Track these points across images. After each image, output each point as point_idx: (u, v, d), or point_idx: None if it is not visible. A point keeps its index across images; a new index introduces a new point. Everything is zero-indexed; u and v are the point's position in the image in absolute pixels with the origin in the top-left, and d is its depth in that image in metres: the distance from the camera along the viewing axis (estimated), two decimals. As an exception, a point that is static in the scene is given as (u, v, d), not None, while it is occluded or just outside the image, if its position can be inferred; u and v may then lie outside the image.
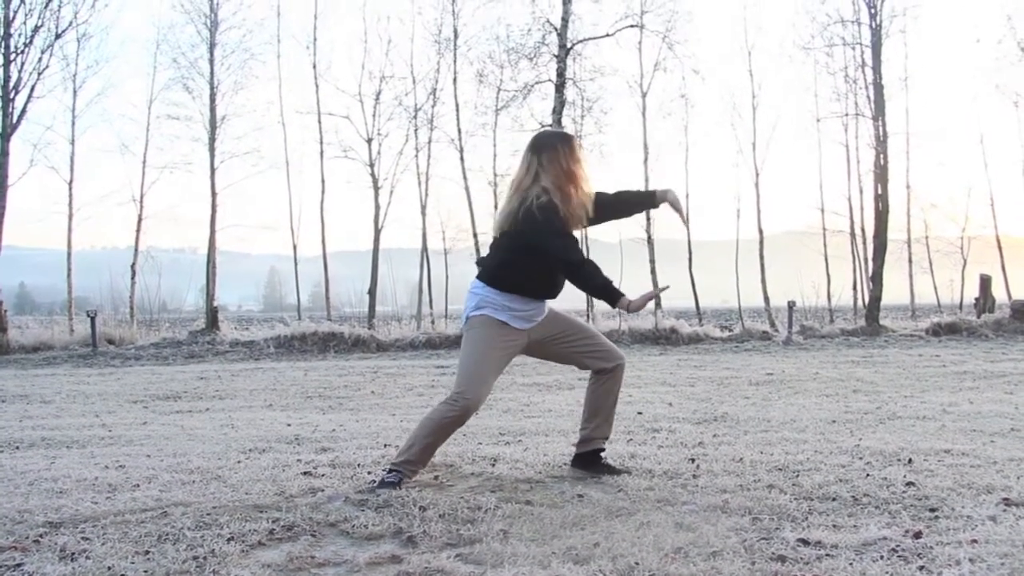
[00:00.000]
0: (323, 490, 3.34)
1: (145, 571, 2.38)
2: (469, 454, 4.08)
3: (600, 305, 17.81)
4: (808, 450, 4.08)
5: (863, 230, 18.05)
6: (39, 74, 15.62)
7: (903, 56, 18.81)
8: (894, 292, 17.67)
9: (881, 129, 16.34)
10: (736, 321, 17.10)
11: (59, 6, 15.98)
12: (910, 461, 3.74)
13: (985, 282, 16.21)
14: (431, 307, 17.85)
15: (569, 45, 16.53)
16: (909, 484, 3.27)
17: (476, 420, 5.35)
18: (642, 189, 3.67)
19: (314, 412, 6.30)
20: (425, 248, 18.14)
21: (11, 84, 15.21)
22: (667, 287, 3.36)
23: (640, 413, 5.66)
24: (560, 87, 16.42)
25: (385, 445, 4.45)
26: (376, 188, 17.76)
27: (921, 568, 2.31)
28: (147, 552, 2.53)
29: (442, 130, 18.02)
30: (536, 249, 3.31)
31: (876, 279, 16.09)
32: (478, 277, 3.48)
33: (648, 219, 17.27)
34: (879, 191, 16.29)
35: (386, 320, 16.48)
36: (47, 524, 2.86)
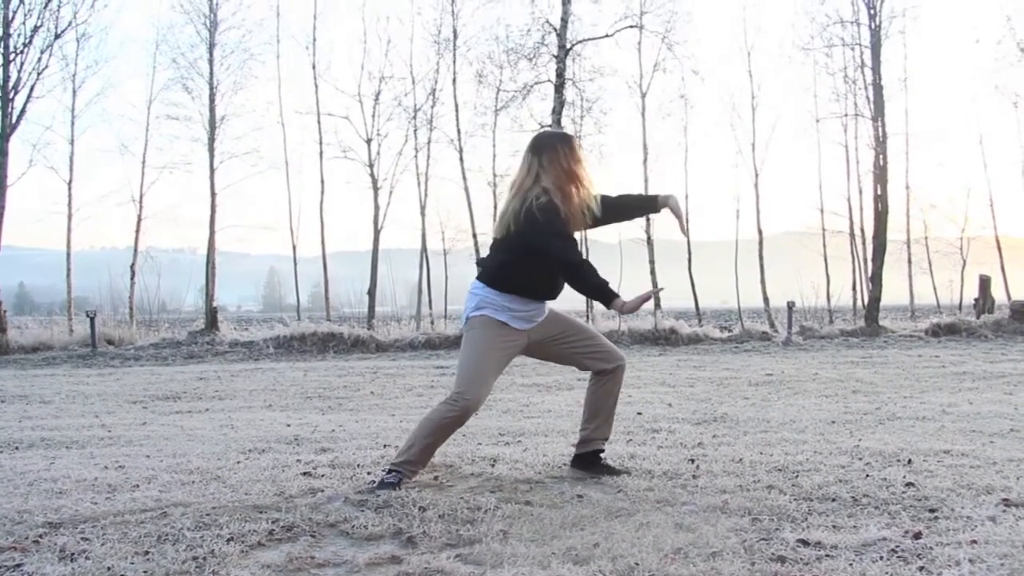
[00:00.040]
0: (323, 490, 3.34)
1: (145, 571, 2.38)
2: (469, 454, 4.08)
3: (600, 306, 17.76)
4: (807, 451, 4.08)
5: (862, 231, 18.08)
6: (38, 74, 15.65)
7: (902, 57, 18.85)
8: (893, 293, 17.68)
9: (880, 130, 16.35)
10: (735, 322, 17.10)
11: (58, 6, 16.01)
12: (910, 462, 3.74)
13: (984, 283, 16.21)
14: (430, 307, 17.85)
15: (568, 45, 16.54)
16: (909, 485, 3.27)
17: (476, 421, 5.35)
18: (644, 193, 3.66)
19: (314, 412, 6.30)
20: (424, 248, 18.15)
21: (10, 84, 15.21)
22: (662, 288, 3.35)
23: (640, 414, 5.66)
24: (559, 87, 16.43)
25: (385, 446, 4.45)
26: (375, 188, 17.77)
27: (921, 569, 2.31)
28: (147, 552, 2.53)
29: (441, 130, 18.06)
30: (536, 250, 3.31)
31: (875, 280, 16.10)
32: (478, 278, 3.48)
33: (648, 220, 17.26)
34: (878, 192, 16.30)
35: (385, 320, 16.48)
36: (47, 524, 2.86)
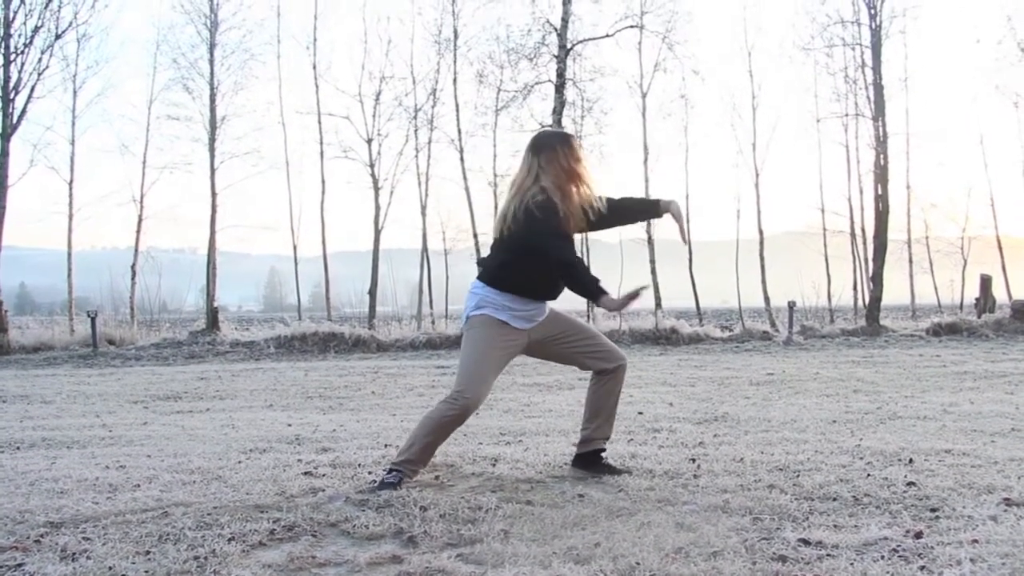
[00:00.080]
0: (324, 490, 3.34)
1: (146, 571, 2.38)
2: (470, 454, 4.08)
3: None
4: (809, 450, 4.08)
5: (863, 230, 18.06)
6: (39, 74, 15.65)
7: (903, 57, 18.86)
8: (894, 292, 17.67)
9: (881, 129, 16.35)
10: (736, 321, 17.10)
11: (59, 7, 16.01)
12: (911, 461, 3.74)
13: (985, 282, 16.21)
14: (431, 307, 17.86)
15: (569, 45, 16.54)
16: (910, 484, 3.27)
17: (477, 420, 5.35)
18: (646, 197, 3.66)
19: (315, 412, 6.30)
20: (425, 248, 18.15)
21: (11, 84, 15.22)
22: (646, 286, 3.31)
23: (641, 413, 5.66)
24: (560, 87, 16.43)
25: (386, 445, 4.45)
26: (376, 188, 17.77)
27: (922, 568, 2.31)
28: (148, 552, 2.53)
29: (442, 130, 18.05)
30: (533, 248, 3.30)
31: (876, 279, 16.09)
32: (479, 277, 3.48)
33: (648, 220, 17.24)
34: (879, 191, 16.29)
35: (386, 320, 16.49)
36: (48, 524, 2.86)
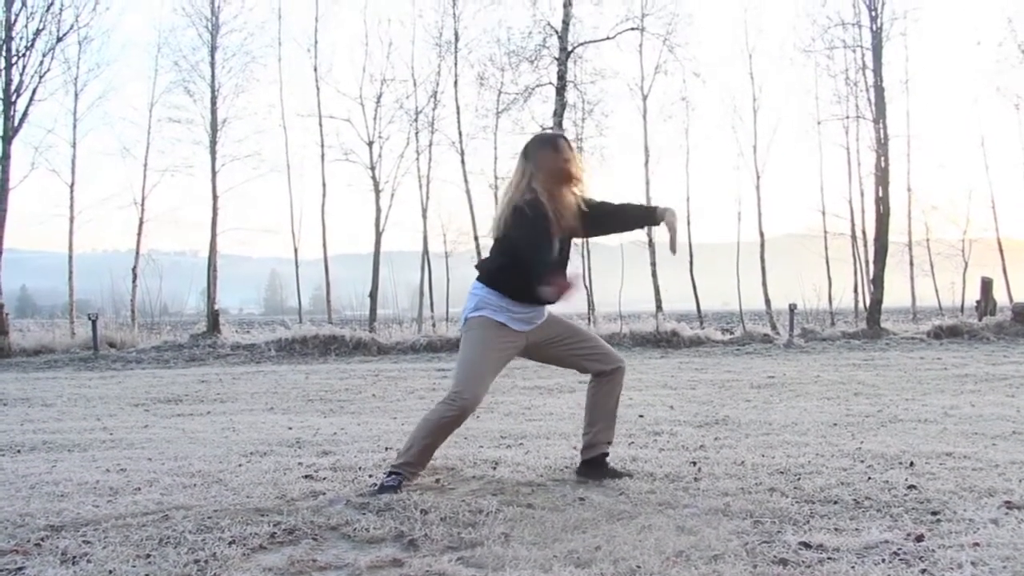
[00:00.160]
0: (324, 493, 3.34)
1: (146, 575, 2.38)
2: (470, 457, 4.07)
3: (601, 308, 17.84)
4: (809, 453, 4.08)
5: (864, 233, 18.07)
6: (40, 77, 15.68)
7: (904, 59, 18.93)
8: (895, 295, 17.66)
9: (882, 132, 16.36)
10: (737, 324, 17.10)
11: (60, 9, 16.06)
12: (912, 464, 3.74)
13: (986, 285, 16.20)
14: (432, 310, 17.87)
15: (570, 48, 16.55)
16: (911, 487, 3.27)
17: (477, 423, 5.35)
18: (645, 204, 3.63)
19: (315, 415, 6.30)
20: (426, 251, 18.16)
21: (13, 87, 15.25)
22: (574, 278, 3.26)
23: (641, 416, 5.66)
24: (561, 90, 16.44)
25: (386, 448, 4.45)
26: (377, 191, 17.78)
27: (923, 571, 2.30)
28: (148, 556, 2.53)
29: (443, 133, 18.07)
30: (516, 245, 3.30)
31: (877, 282, 16.09)
32: (478, 278, 3.49)
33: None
34: (880, 193, 16.30)
35: (387, 323, 16.48)
36: (48, 528, 2.86)
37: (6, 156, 15.11)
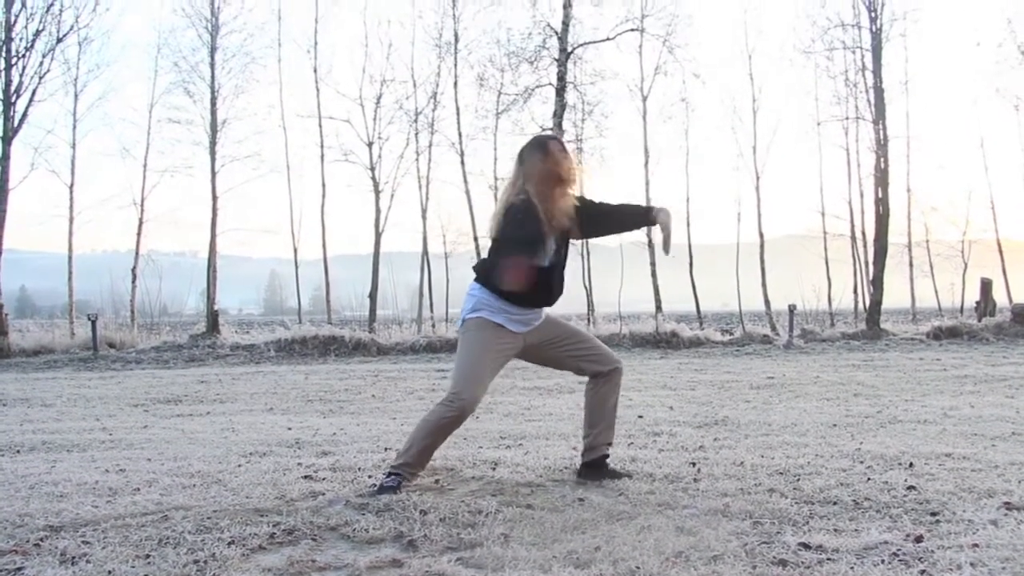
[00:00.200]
0: (324, 494, 3.34)
1: (145, 575, 2.38)
2: (470, 458, 4.07)
3: (600, 308, 17.85)
4: (809, 454, 4.08)
5: (864, 234, 18.06)
6: (40, 78, 15.68)
7: (903, 60, 18.92)
8: (895, 296, 17.66)
9: (881, 133, 16.36)
10: (737, 325, 17.09)
11: (60, 10, 16.05)
12: (911, 465, 3.74)
13: (986, 286, 16.20)
14: (431, 311, 17.86)
15: (570, 49, 16.56)
16: (910, 488, 3.27)
17: (477, 424, 5.35)
18: (641, 204, 3.62)
19: (315, 416, 6.30)
20: (426, 252, 18.15)
21: (12, 88, 15.25)
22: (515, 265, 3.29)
23: (641, 417, 5.66)
24: (561, 91, 16.44)
25: (386, 449, 4.45)
26: (377, 192, 17.78)
27: (922, 572, 2.31)
28: (147, 556, 2.53)
29: (443, 134, 18.06)
30: (503, 241, 3.33)
31: (877, 283, 16.09)
32: (475, 280, 3.50)
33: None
34: (879, 195, 16.30)
35: (387, 324, 16.47)
36: (48, 528, 2.86)
37: (6, 157, 15.11)
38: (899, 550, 2.49)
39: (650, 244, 17.37)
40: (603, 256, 18.05)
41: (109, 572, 2.39)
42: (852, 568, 2.34)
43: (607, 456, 3.65)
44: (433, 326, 16.17)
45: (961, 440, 4.48)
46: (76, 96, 17.10)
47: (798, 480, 3.47)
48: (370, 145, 17.86)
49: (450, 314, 17.79)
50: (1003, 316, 15.11)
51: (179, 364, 12.67)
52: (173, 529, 2.80)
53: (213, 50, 17.26)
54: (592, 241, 15.30)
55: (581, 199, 3.53)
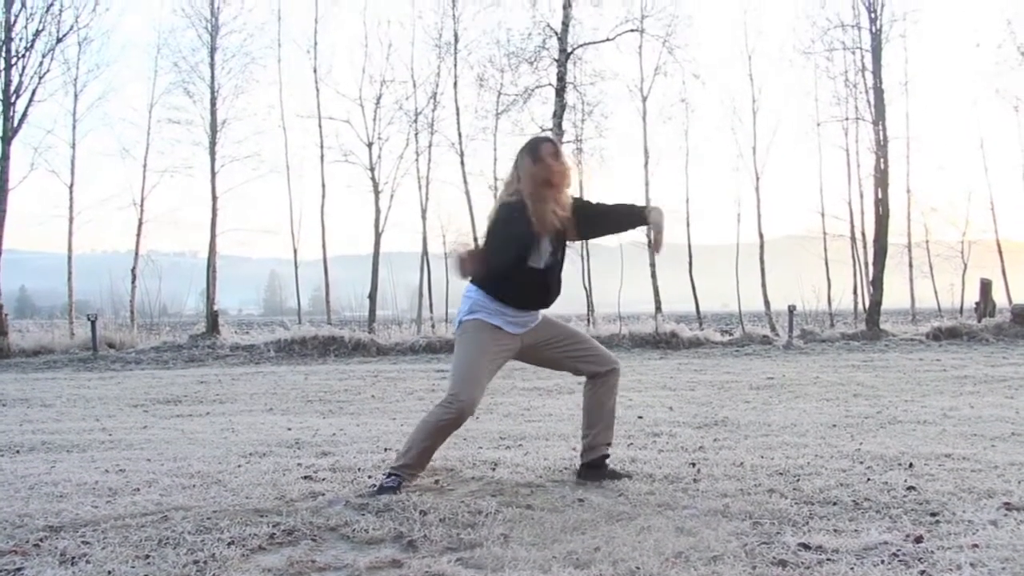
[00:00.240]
0: (323, 494, 3.34)
1: (145, 575, 2.38)
2: (469, 458, 4.07)
3: (600, 308, 17.85)
4: (809, 454, 4.08)
5: (863, 234, 18.07)
6: (40, 78, 15.68)
7: (903, 60, 19.00)
8: (894, 296, 17.67)
9: (881, 133, 16.36)
10: (736, 325, 17.10)
11: (60, 10, 16.06)
12: (911, 465, 3.74)
13: (985, 286, 16.20)
14: (431, 311, 17.85)
15: (570, 49, 16.56)
16: (910, 488, 3.27)
17: (476, 424, 5.35)
18: (636, 204, 3.60)
19: (314, 416, 6.30)
20: (425, 252, 18.15)
21: (12, 88, 15.25)
22: (458, 251, 3.36)
23: (640, 417, 5.66)
24: (560, 91, 16.44)
25: (385, 449, 4.45)
26: (376, 192, 17.78)
27: (922, 573, 2.31)
28: (147, 556, 2.53)
29: (442, 134, 18.06)
30: (488, 237, 3.36)
31: (876, 283, 16.09)
32: (472, 282, 3.50)
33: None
34: (879, 195, 16.31)
35: (386, 324, 16.47)
36: (47, 528, 2.86)
37: (5, 157, 15.11)
38: (899, 550, 2.49)
39: (650, 244, 17.37)
40: (603, 257, 18.05)
41: (109, 572, 2.39)
42: (852, 568, 2.34)
43: (607, 456, 3.65)
44: (433, 326, 16.16)
45: (961, 441, 4.48)
46: (76, 96, 17.13)
47: (798, 481, 3.47)
48: (370, 145, 17.87)
49: (450, 314, 17.77)
50: (1003, 317, 15.12)
51: (179, 364, 12.67)
52: (173, 529, 2.80)
53: (213, 50, 17.27)
54: (592, 242, 15.30)
55: (577, 200, 3.53)
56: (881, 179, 16.33)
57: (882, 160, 16.34)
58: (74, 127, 17.16)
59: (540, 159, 3.39)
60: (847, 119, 17.91)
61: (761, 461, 3.92)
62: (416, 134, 17.95)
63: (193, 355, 13.48)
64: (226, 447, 4.68)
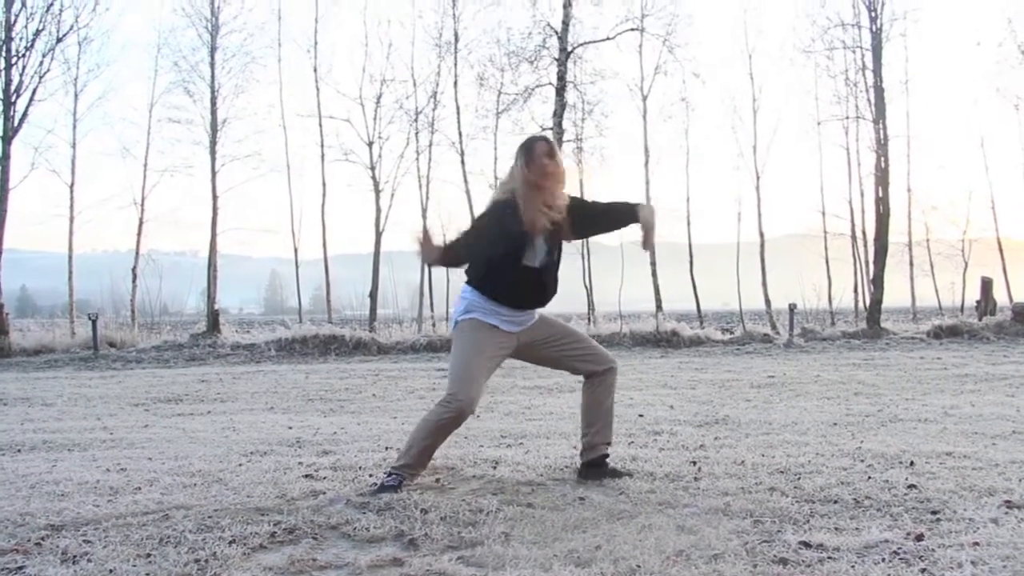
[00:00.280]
0: (324, 493, 3.34)
1: (147, 574, 2.38)
2: (470, 457, 4.08)
3: (601, 307, 17.84)
4: (809, 453, 4.08)
5: (864, 233, 18.07)
6: (40, 78, 15.69)
7: (903, 59, 18.92)
8: (895, 295, 17.66)
9: (882, 132, 16.36)
10: (737, 324, 17.10)
11: (60, 10, 16.06)
12: (912, 464, 3.74)
13: (986, 285, 16.20)
14: (432, 310, 17.86)
15: (570, 48, 16.55)
16: (911, 487, 3.27)
17: (478, 423, 5.35)
18: (630, 201, 3.57)
19: (315, 415, 6.30)
20: (426, 250, 18.11)
21: (12, 88, 15.25)
22: (423, 232, 3.44)
23: (641, 416, 5.66)
24: (561, 90, 16.44)
25: (386, 448, 4.45)
26: (377, 191, 17.78)
27: (923, 571, 2.31)
28: (148, 555, 2.53)
29: (443, 133, 18.06)
30: (486, 234, 3.39)
31: (877, 282, 16.09)
32: (467, 282, 3.50)
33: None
34: (880, 194, 16.30)
35: (387, 323, 16.48)
36: (49, 527, 2.86)
37: (6, 156, 15.11)
38: (900, 548, 2.49)
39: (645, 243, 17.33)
40: (603, 255, 18.06)
41: (110, 571, 2.39)
42: (853, 567, 2.34)
43: (606, 456, 3.64)
44: (433, 325, 16.18)
45: (962, 439, 4.48)
46: (76, 96, 17.13)
47: (799, 479, 3.47)
48: (370, 144, 17.87)
49: (450, 313, 17.74)
50: (1003, 315, 15.12)
51: (180, 363, 12.67)
52: (174, 528, 2.80)
53: (213, 50, 17.27)
54: (593, 240, 15.31)
55: (574, 199, 3.52)
56: (882, 178, 16.32)
57: (883, 159, 16.33)
58: (74, 126, 17.19)
59: (533, 159, 3.39)
60: (847, 118, 17.92)
61: (762, 459, 3.92)
62: (416, 133, 17.97)
63: (194, 354, 13.49)
64: (227, 446, 4.68)
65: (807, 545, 2.54)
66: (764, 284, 17.85)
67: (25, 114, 15.48)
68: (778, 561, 2.41)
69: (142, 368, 12.09)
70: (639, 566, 2.36)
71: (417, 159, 17.98)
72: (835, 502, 3.09)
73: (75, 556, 2.52)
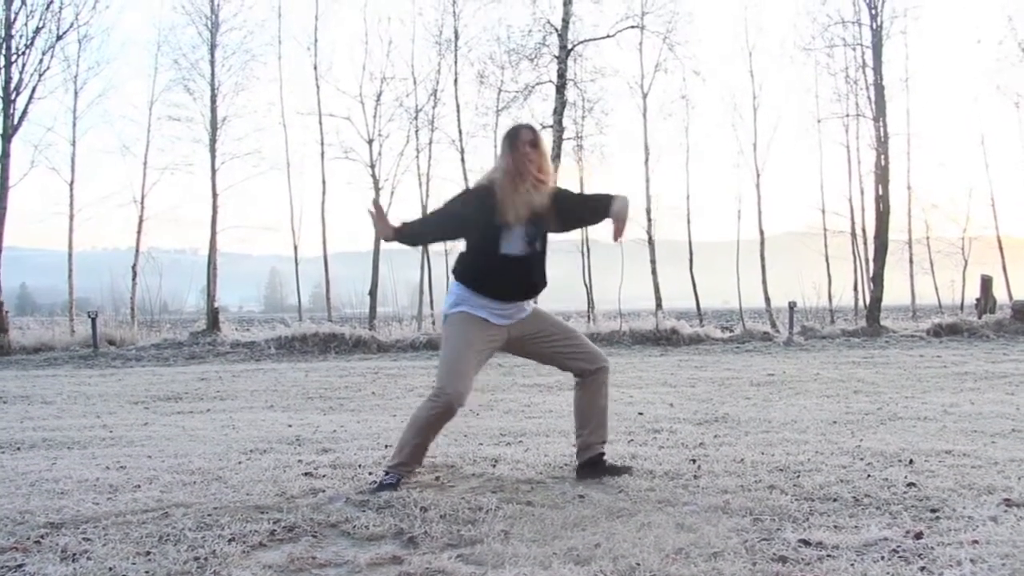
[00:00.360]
0: (324, 491, 3.34)
1: (146, 572, 2.38)
2: (470, 455, 4.08)
3: (600, 305, 17.85)
4: (809, 451, 4.08)
5: (864, 231, 18.07)
6: (40, 75, 15.69)
7: (904, 57, 18.91)
8: (895, 293, 17.67)
9: (882, 130, 16.35)
10: (737, 322, 17.09)
11: (60, 8, 16.06)
12: (911, 462, 3.74)
13: (986, 283, 16.20)
14: (432, 308, 17.85)
15: (570, 46, 16.54)
16: (910, 485, 3.27)
17: (477, 421, 5.36)
18: (609, 194, 3.49)
19: (315, 413, 6.30)
20: (426, 249, 18.11)
21: (12, 85, 15.25)
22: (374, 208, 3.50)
23: (641, 414, 5.66)
24: (561, 88, 16.43)
25: (386, 446, 4.45)
26: (377, 189, 17.78)
27: (922, 569, 2.31)
28: (148, 553, 2.53)
29: (443, 131, 18.06)
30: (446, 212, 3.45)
31: (877, 280, 16.09)
32: (455, 277, 3.50)
33: (649, 220, 17.29)
34: (880, 192, 16.29)
35: (387, 321, 16.48)
36: (48, 525, 2.86)
37: (6, 154, 15.10)
38: (899, 547, 2.49)
39: (650, 241, 17.37)
40: (603, 253, 18.04)
41: (110, 569, 2.39)
42: (852, 565, 2.34)
43: (602, 455, 3.62)
44: (433, 323, 16.17)
45: (961, 437, 4.48)
46: (76, 93, 17.14)
47: (798, 477, 3.47)
48: (370, 142, 17.87)
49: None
50: (1003, 313, 15.11)
51: (179, 361, 12.67)
52: (174, 526, 2.80)
53: (213, 47, 17.26)
54: (592, 238, 15.31)
55: (558, 190, 3.49)
56: (882, 175, 16.31)
57: (883, 156, 16.32)
58: (74, 124, 17.20)
59: (516, 148, 3.37)
60: (848, 115, 17.92)
61: (761, 457, 3.92)
62: (416, 131, 17.97)
63: (194, 352, 13.49)
64: (227, 444, 4.68)
65: (806, 543, 2.54)
66: (764, 282, 17.85)
67: (25, 112, 15.50)
68: (777, 559, 2.41)
69: (142, 366, 12.09)
70: (638, 564, 2.36)
71: (417, 157, 18.00)
72: (834, 500, 3.09)
73: (75, 554, 2.52)
